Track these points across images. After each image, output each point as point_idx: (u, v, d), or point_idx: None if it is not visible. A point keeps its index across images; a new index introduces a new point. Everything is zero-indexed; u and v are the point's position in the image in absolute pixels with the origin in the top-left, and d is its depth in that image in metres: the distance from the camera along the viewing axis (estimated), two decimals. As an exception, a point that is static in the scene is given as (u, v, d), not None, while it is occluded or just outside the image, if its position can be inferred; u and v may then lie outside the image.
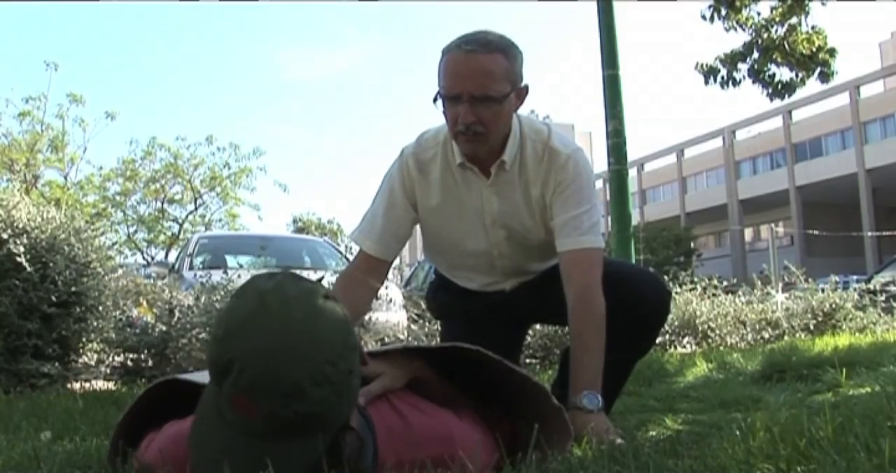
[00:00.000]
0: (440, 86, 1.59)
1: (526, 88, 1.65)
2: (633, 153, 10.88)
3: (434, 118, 1.83)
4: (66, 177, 17.55)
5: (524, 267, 1.87)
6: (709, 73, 7.02)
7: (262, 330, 0.98)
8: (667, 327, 4.71)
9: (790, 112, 35.52)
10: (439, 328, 2.58)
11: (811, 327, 5.28)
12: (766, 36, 6.72)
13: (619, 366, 1.76)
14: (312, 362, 0.97)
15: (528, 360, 3.90)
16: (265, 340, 0.97)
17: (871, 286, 6.09)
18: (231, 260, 6.59)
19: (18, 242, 3.06)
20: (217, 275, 4.06)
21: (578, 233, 1.67)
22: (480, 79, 1.53)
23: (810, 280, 5.86)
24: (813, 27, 6.74)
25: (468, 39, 1.56)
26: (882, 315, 5.74)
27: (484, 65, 1.54)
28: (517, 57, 1.60)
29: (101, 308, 3.40)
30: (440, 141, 1.73)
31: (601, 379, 1.56)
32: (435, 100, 1.61)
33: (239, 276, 3.93)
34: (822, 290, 5.58)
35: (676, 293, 5.02)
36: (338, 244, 9.01)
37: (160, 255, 18.75)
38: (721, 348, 4.53)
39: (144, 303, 4.10)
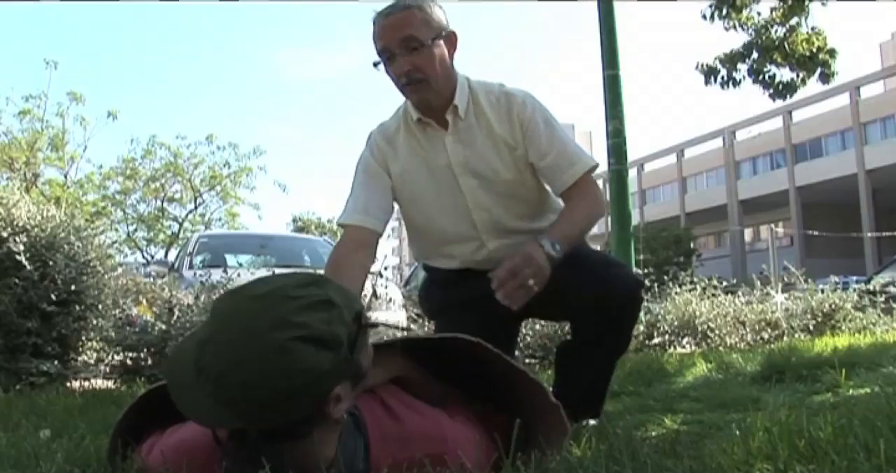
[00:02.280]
0: (376, 52, 1.73)
1: (454, 34, 1.78)
2: (633, 153, 10.89)
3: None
4: (66, 176, 17.53)
5: (504, 223, 1.85)
6: (709, 73, 7.02)
7: (233, 338, 1.01)
8: (666, 327, 4.71)
9: (790, 112, 35.51)
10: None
11: (811, 328, 5.27)
12: (765, 36, 6.73)
13: (600, 366, 1.81)
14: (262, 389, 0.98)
15: (527, 360, 3.89)
16: (230, 351, 1.00)
17: (870, 287, 6.08)
18: (231, 260, 6.60)
19: (18, 240, 3.06)
20: (217, 274, 4.07)
21: (568, 164, 1.78)
22: (403, 32, 1.69)
23: (810, 280, 5.85)
24: (813, 28, 6.74)
25: (386, 7, 1.73)
26: (881, 315, 5.73)
27: (402, 20, 1.70)
28: (432, 7, 1.74)
29: (100, 306, 3.40)
30: (399, 114, 1.87)
31: (572, 241, 1.65)
32: (376, 65, 1.74)
33: (238, 275, 3.93)
34: (822, 291, 5.57)
35: (676, 293, 5.02)
36: (337, 243, 8.98)
37: (160, 254, 18.76)
38: (720, 348, 4.53)
39: (144, 302, 4.10)
